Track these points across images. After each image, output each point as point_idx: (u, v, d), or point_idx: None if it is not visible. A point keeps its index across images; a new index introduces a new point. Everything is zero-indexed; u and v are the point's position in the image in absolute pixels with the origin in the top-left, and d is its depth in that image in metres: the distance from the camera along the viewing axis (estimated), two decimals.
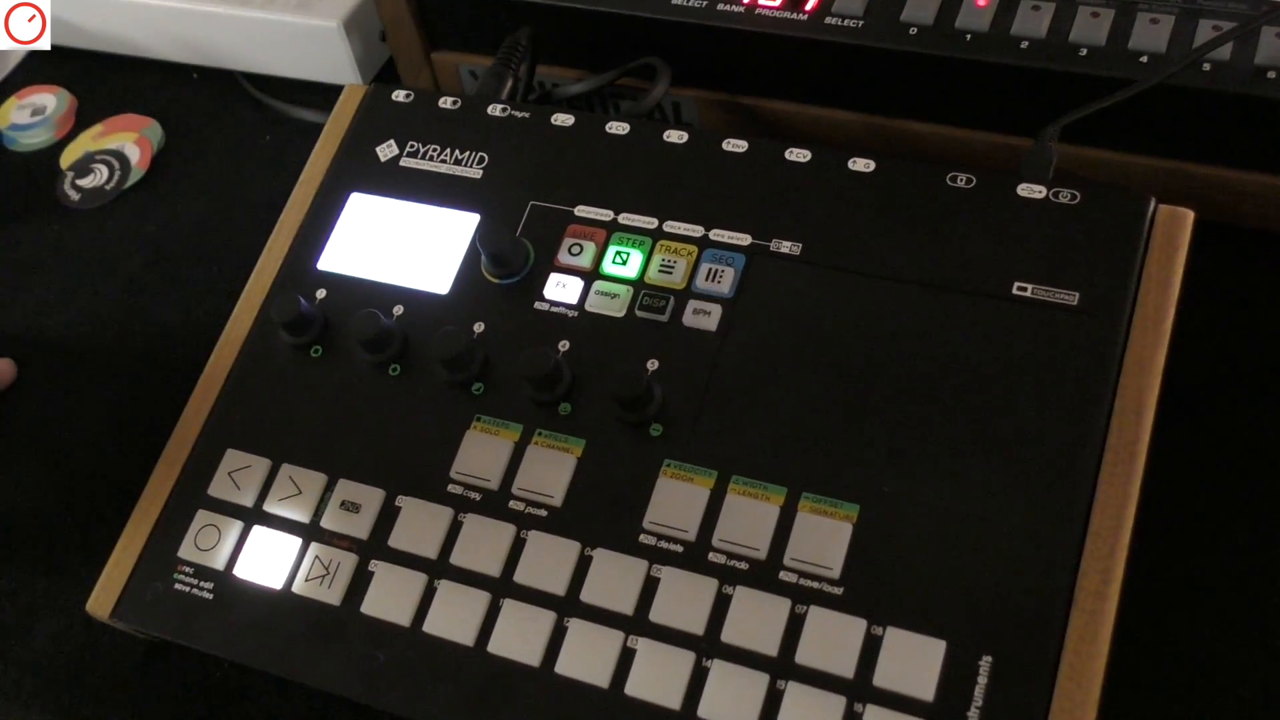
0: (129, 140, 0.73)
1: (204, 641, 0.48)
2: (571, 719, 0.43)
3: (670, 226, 0.51)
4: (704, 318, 0.49)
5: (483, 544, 0.47)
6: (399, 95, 0.58)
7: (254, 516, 0.49)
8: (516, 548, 0.46)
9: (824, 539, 0.44)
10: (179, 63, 0.76)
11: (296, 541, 0.48)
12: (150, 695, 0.50)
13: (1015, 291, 0.46)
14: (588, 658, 0.44)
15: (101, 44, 0.77)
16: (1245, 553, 0.48)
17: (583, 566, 0.46)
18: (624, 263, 0.51)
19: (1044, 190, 0.48)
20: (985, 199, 0.48)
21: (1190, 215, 0.47)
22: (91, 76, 0.77)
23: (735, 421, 0.47)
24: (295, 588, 0.47)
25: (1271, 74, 0.51)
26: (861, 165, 0.51)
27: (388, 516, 0.48)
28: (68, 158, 0.73)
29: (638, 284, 0.50)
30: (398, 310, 0.52)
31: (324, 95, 0.70)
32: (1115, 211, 0.47)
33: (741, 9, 0.58)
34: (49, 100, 0.76)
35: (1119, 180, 0.55)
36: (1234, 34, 0.51)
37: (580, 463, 0.47)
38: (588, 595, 0.45)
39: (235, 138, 0.72)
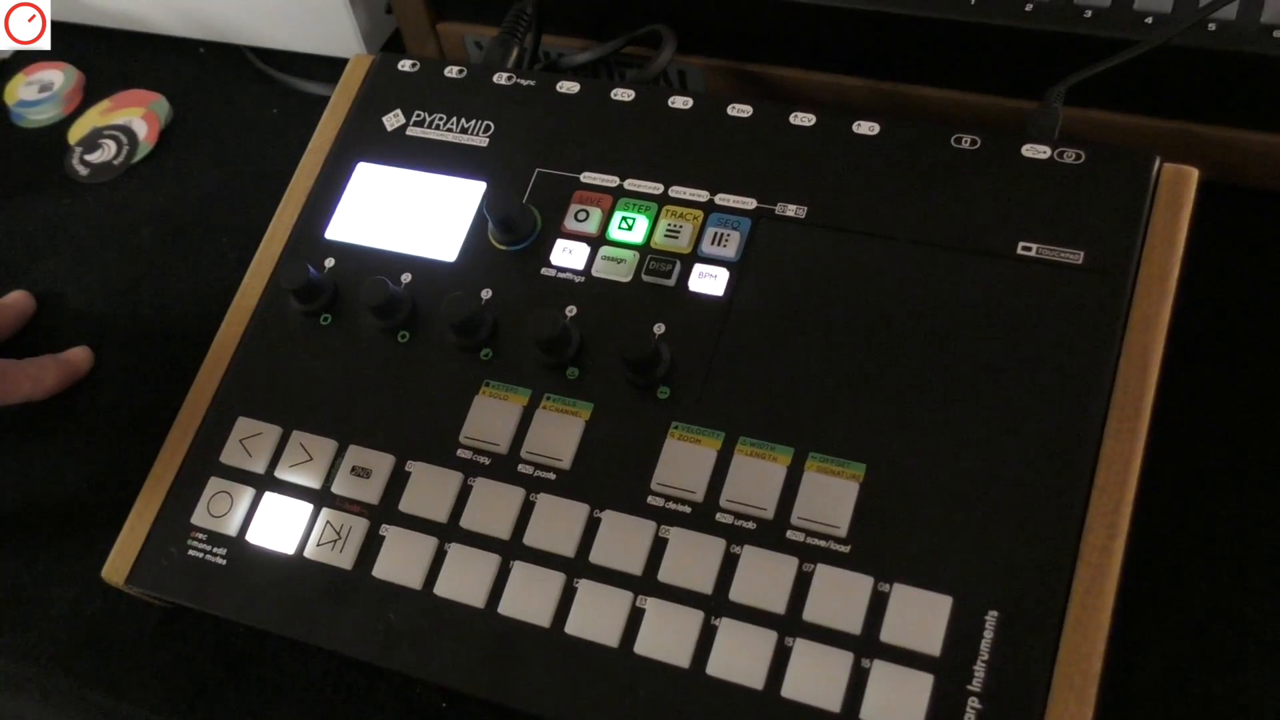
0: (136, 115, 0.73)
1: (218, 606, 0.48)
2: (581, 678, 0.44)
3: (676, 191, 0.51)
4: (710, 281, 0.49)
5: (492, 507, 0.47)
6: (405, 65, 0.58)
7: (266, 483, 0.50)
8: (526, 510, 0.47)
9: (831, 498, 0.44)
10: (186, 38, 0.76)
11: (308, 507, 0.49)
12: (166, 659, 0.51)
13: (1020, 251, 0.46)
14: (597, 618, 0.44)
15: (109, 20, 0.77)
16: (1249, 507, 0.48)
17: (591, 528, 0.46)
18: (630, 228, 0.51)
19: (1049, 150, 0.48)
20: (990, 159, 0.49)
21: (1194, 173, 0.47)
22: (99, 52, 0.77)
23: (742, 383, 0.47)
24: (307, 552, 0.48)
25: (1278, 33, 0.50)
26: (866, 128, 0.51)
27: (398, 481, 0.48)
28: (76, 133, 0.73)
29: (644, 249, 0.50)
30: (406, 278, 0.52)
31: (330, 68, 0.71)
32: (1120, 170, 0.47)
33: None
34: (56, 76, 0.76)
35: (1126, 142, 0.55)
36: None
37: (588, 426, 0.48)
38: (597, 556, 0.45)
39: (242, 112, 0.72)
